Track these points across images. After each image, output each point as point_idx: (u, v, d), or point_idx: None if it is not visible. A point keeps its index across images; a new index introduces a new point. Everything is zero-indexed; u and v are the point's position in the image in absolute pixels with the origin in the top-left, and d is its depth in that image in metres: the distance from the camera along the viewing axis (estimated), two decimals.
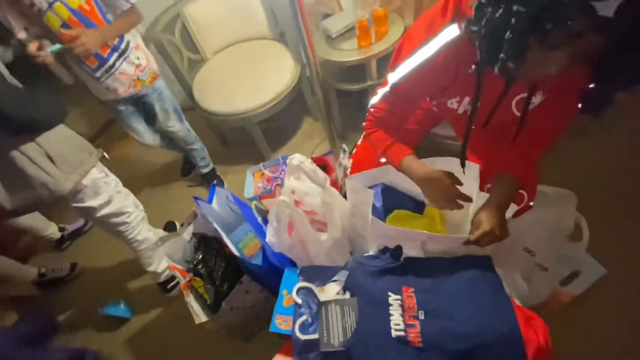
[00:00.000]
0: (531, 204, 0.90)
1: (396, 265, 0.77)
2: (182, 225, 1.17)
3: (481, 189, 0.83)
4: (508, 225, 0.73)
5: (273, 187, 1.24)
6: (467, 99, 0.76)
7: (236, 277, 1.00)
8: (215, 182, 1.79)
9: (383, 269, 0.78)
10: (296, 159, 0.92)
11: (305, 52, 1.16)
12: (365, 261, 0.82)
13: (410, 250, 0.80)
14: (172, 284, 1.44)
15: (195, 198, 1.06)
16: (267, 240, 0.96)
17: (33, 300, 1.58)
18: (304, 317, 0.78)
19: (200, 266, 1.08)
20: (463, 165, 0.85)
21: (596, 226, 0.94)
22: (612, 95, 0.58)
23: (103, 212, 1.13)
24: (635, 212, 1.18)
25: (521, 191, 0.85)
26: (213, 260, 1.10)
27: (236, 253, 0.93)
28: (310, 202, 0.99)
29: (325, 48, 1.43)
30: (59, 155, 0.99)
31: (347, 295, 0.78)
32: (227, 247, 0.97)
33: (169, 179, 1.94)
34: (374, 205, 0.89)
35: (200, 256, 1.09)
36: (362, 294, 0.76)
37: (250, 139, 1.71)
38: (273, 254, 0.94)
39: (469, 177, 0.84)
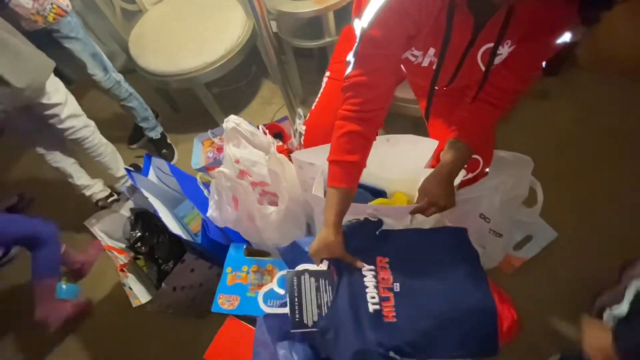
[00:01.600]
0: (487, 170, 0.86)
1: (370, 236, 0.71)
2: (117, 200, 1.04)
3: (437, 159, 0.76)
4: (457, 192, 0.69)
5: (222, 158, 1.13)
6: (432, 50, 0.66)
7: (183, 254, 0.92)
8: (164, 150, 1.64)
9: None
10: (231, 121, 0.81)
11: (251, 1, 1.00)
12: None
13: None
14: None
15: (127, 170, 0.93)
16: (208, 214, 0.87)
17: None
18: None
19: (139, 244, 0.98)
20: (427, 115, 0.77)
21: (549, 190, 0.93)
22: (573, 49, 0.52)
23: (65, 112, 1.18)
24: (586, 176, 1.19)
25: (476, 157, 0.80)
26: (155, 238, 1.00)
27: (173, 230, 0.83)
28: (259, 172, 0.90)
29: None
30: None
31: (324, 267, 0.67)
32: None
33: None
34: None
35: (139, 234, 0.98)
36: (335, 264, 0.67)
37: (202, 104, 1.55)
38: (215, 230, 0.86)
39: (425, 153, 0.77)
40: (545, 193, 0.94)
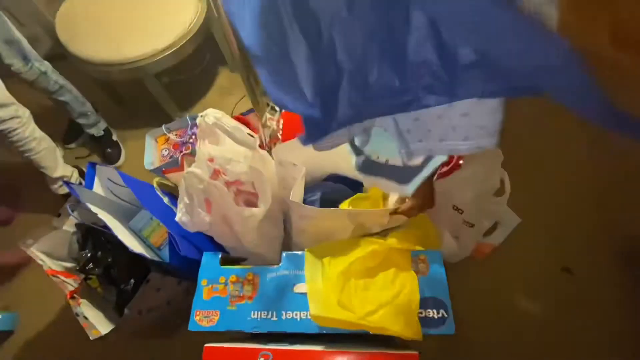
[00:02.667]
0: (460, 162, 0.88)
1: None
2: (58, 215, 0.89)
3: None
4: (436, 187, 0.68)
5: (180, 157, 1.02)
6: None
7: (145, 271, 0.81)
8: (109, 149, 1.45)
9: None
10: (210, 115, 0.72)
11: None
12: None
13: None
14: None
15: (67, 184, 0.79)
16: (177, 219, 0.77)
17: None
18: None
19: (91, 265, 0.85)
20: None
21: (511, 178, 0.98)
22: None
23: None
24: (542, 162, 1.27)
25: None
26: (110, 256, 0.88)
27: (134, 249, 0.73)
28: (234, 170, 0.82)
29: None
30: None
31: None
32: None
33: None
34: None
35: (89, 254, 0.85)
36: None
37: (152, 95, 1.38)
38: (186, 245, 0.77)
39: None
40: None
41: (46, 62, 1.21)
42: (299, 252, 0.75)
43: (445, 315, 0.66)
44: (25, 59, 1.13)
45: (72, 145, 1.53)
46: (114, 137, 1.48)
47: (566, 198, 1.19)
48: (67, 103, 1.28)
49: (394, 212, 0.68)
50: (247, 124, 1.15)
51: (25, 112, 1.12)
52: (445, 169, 0.85)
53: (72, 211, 0.79)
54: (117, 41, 1.19)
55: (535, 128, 1.34)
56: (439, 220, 1.00)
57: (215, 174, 0.78)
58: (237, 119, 1.15)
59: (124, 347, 1.00)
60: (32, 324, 1.12)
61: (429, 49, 0.31)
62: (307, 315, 0.67)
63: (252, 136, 0.77)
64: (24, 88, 1.20)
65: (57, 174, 1.23)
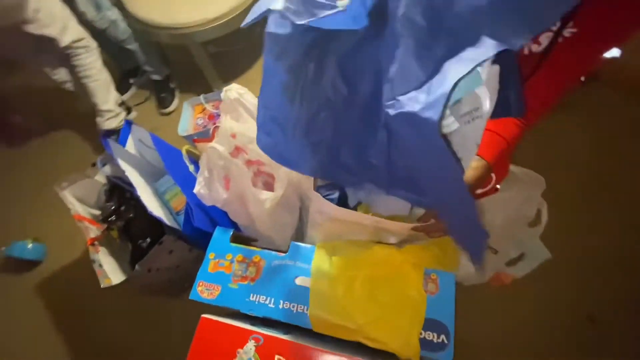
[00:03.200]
0: (498, 186, 0.81)
1: None
2: (93, 165, 0.94)
3: None
4: None
5: (212, 129, 1.03)
6: None
7: (161, 232, 0.84)
8: (164, 94, 1.49)
9: None
10: (233, 90, 0.72)
11: None
12: None
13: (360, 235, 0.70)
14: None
15: (103, 139, 0.82)
16: (195, 191, 0.79)
17: None
18: None
19: (113, 218, 0.90)
20: None
21: (554, 210, 0.90)
22: None
23: (65, 41, 1.07)
24: (590, 200, 1.16)
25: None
26: (132, 212, 0.92)
27: (153, 211, 0.75)
28: (255, 150, 0.82)
29: None
30: None
31: None
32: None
33: None
34: None
35: (113, 207, 0.90)
36: None
37: (196, 63, 1.40)
38: (200, 216, 0.78)
39: None
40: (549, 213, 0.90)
41: (116, 10, 1.26)
42: (308, 245, 0.74)
43: (446, 342, 0.62)
44: (98, 7, 1.18)
45: (124, 96, 1.60)
46: (172, 85, 1.54)
47: (601, 243, 1.08)
48: (134, 51, 1.34)
49: (416, 228, 0.64)
50: None
51: (94, 44, 1.17)
52: (479, 191, 0.78)
53: (103, 165, 0.83)
54: (172, 5, 1.20)
55: (588, 169, 1.22)
56: None
57: (237, 150, 0.78)
58: None
59: (130, 299, 1.06)
60: (58, 259, 1.22)
61: (382, 158, 0.43)
62: (303, 309, 0.66)
63: None
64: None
65: (106, 106, 1.27)
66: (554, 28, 0.50)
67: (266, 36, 0.42)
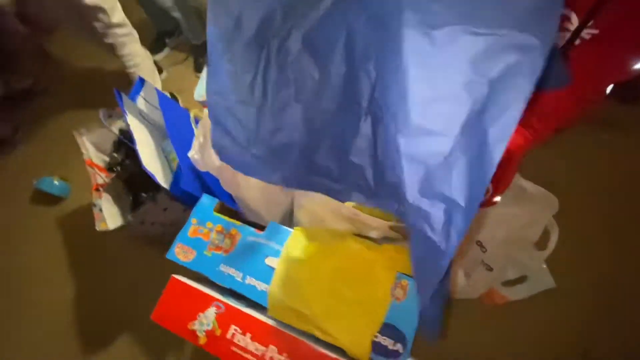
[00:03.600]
0: (496, 199, 0.73)
1: None
2: (110, 116, 0.99)
3: None
4: None
5: None
6: None
7: (160, 189, 0.88)
8: (201, 59, 1.53)
9: None
10: None
11: None
12: None
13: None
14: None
15: (117, 92, 0.86)
16: (189, 155, 0.80)
17: None
18: None
19: (117, 168, 0.95)
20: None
21: (565, 234, 0.81)
22: None
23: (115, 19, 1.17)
24: (619, 235, 1.03)
25: None
26: (135, 165, 0.96)
27: (146, 167, 0.78)
28: None
29: None
30: None
31: None
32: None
33: None
34: None
35: (120, 158, 0.95)
36: None
37: None
38: (188, 179, 0.80)
39: None
40: (560, 236, 0.81)
41: None
42: (287, 228, 0.73)
43: (401, 351, 0.60)
44: None
45: (158, 56, 1.66)
46: None
47: (611, 278, 0.97)
48: (177, 18, 1.38)
49: (394, 227, 0.61)
50: None
51: (134, 31, 1.30)
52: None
53: (108, 117, 0.87)
54: None
55: (613, 198, 1.07)
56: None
57: None
58: None
59: (121, 244, 1.14)
60: (79, 199, 1.33)
61: (367, 158, 0.37)
62: (267, 289, 0.67)
63: None
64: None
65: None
66: (571, 27, 0.42)
67: None
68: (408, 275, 0.65)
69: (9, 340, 1.16)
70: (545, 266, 0.96)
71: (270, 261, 0.70)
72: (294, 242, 0.70)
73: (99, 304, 1.17)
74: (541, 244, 0.82)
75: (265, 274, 0.69)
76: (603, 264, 1.00)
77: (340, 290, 0.64)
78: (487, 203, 0.72)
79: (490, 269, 0.86)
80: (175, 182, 0.80)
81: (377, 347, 0.60)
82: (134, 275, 1.17)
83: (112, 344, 1.09)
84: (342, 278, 0.65)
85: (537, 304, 0.94)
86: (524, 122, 0.52)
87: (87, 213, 1.28)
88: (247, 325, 0.65)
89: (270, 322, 0.65)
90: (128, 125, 0.83)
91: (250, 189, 0.84)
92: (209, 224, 0.77)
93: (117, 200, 0.97)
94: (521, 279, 0.96)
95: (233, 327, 0.66)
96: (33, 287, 1.23)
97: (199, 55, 1.55)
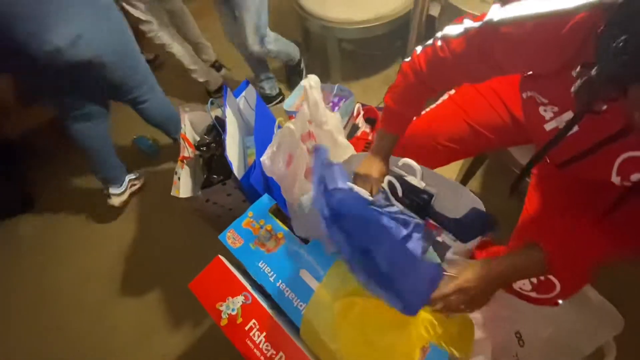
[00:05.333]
0: (560, 301, 0.67)
1: None
2: (212, 103, 1.15)
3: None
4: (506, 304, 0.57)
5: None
6: (569, 115, 0.51)
7: (230, 176, 0.99)
8: (293, 77, 1.68)
9: None
10: (307, 80, 0.78)
11: None
12: None
13: None
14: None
15: (225, 87, 1.00)
16: (261, 159, 0.89)
17: None
18: None
19: (203, 148, 1.08)
20: (513, 190, 0.63)
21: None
22: None
23: None
24: None
25: (554, 280, 0.63)
26: (219, 150, 1.10)
27: (227, 154, 0.89)
28: (322, 137, 0.87)
29: None
30: None
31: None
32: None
33: None
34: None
35: (208, 140, 1.08)
36: None
37: (327, 54, 1.53)
38: (257, 176, 0.89)
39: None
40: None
41: (271, 36, 1.35)
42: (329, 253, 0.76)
43: None
44: (261, 42, 1.33)
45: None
46: (302, 66, 1.65)
47: None
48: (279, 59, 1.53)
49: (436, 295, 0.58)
50: (376, 117, 1.17)
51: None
52: (534, 294, 0.67)
53: (211, 104, 1.01)
54: (327, 0, 1.33)
55: None
56: (487, 331, 0.83)
57: (308, 135, 0.85)
58: (372, 110, 1.17)
59: (184, 212, 1.28)
60: (163, 160, 1.54)
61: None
62: (293, 297, 0.70)
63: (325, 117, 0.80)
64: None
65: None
66: None
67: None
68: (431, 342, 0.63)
69: (62, 260, 1.36)
70: None
71: (304, 274, 0.74)
72: (336, 272, 0.72)
73: (147, 254, 1.32)
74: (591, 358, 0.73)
75: (296, 284, 0.72)
76: None
77: (367, 332, 0.65)
78: (549, 301, 0.66)
79: None
80: (247, 175, 0.90)
81: None
82: (185, 241, 1.30)
83: (144, 294, 1.21)
84: (373, 322, 0.66)
85: None
86: (622, 240, 0.50)
87: (163, 177, 1.48)
88: (266, 324, 0.70)
89: (287, 330, 0.68)
90: (225, 116, 0.96)
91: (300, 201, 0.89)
92: (262, 221, 0.84)
93: (193, 175, 1.10)
94: None
95: (253, 320, 0.70)
96: (97, 218, 1.44)
97: (291, 73, 1.67)
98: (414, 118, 0.74)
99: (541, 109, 0.54)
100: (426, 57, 0.61)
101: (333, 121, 0.87)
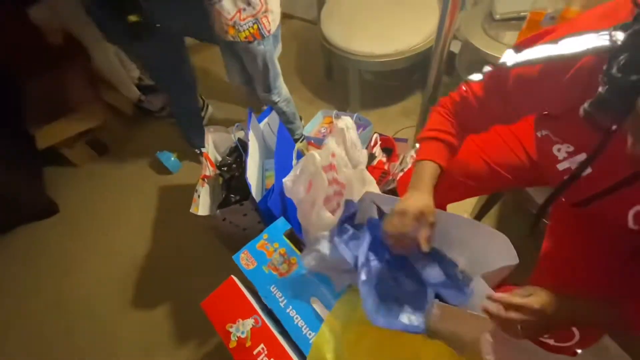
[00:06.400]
0: (579, 351, 0.65)
1: None
2: (235, 125, 1.20)
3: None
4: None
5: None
6: (582, 157, 0.52)
7: (248, 197, 1.02)
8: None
9: None
10: (343, 121, 0.81)
11: (442, 18, 0.93)
12: None
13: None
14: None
15: (250, 110, 1.05)
16: (283, 181, 0.93)
17: (120, 122, 1.87)
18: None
19: (225, 169, 1.13)
20: (533, 229, 0.63)
21: None
22: None
23: None
24: None
25: (574, 329, 0.61)
26: (239, 171, 1.14)
27: (248, 177, 0.93)
28: (345, 173, 0.90)
29: (474, 25, 1.14)
30: None
31: None
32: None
33: None
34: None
35: (230, 161, 1.13)
36: None
37: (348, 84, 1.59)
38: (276, 199, 0.92)
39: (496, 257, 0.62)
40: None
41: (280, 90, 1.27)
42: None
43: None
44: (269, 90, 1.23)
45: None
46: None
47: None
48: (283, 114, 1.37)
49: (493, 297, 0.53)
50: (393, 147, 1.20)
51: None
52: (551, 342, 0.64)
53: (238, 129, 1.06)
54: (351, 31, 1.39)
55: None
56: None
57: (330, 167, 0.87)
58: (389, 140, 1.20)
59: (199, 229, 1.31)
60: (184, 177, 1.59)
61: None
62: (302, 325, 0.71)
63: (364, 157, 0.82)
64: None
65: None
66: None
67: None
68: None
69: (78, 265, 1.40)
70: None
71: (314, 302, 0.74)
72: (347, 300, 0.72)
73: (160, 267, 1.35)
74: None
75: (306, 311, 0.73)
76: None
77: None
78: (568, 350, 0.64)
79: None
80: (264, 197, 0.93)
81: None
82: (198, 258, 1.32)
83: (152, 308, 1.23)
84: (383, 353, 0.65)
85: None
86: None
87: (183, 192, 1.53)
88: (275, 350, 0.70)
89: (294, 358, 0.68)
90: (248, 139, 1.00)
91: (317, 230, 0.90)
92: (276, 244, 0.86)
93: (213, 193, 1.14)
94: None
95: (262, 345, 0.70)
96: (115, 228, 1.48)
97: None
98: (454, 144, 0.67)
99: (555, 148, 0.56)
100: (452, 101, 0.65)
101: (363, 163, 0.90)
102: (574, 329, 0.60)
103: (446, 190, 0.84)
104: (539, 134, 0.60)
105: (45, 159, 1.67)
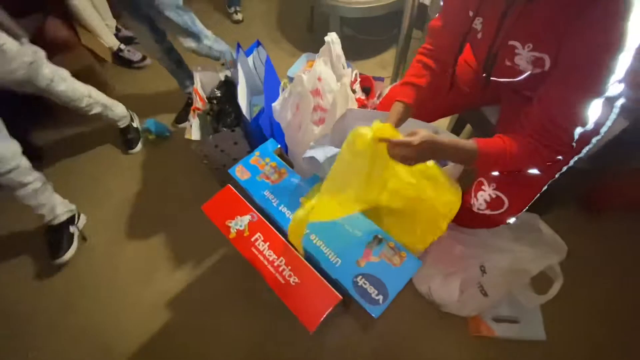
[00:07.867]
0: (510, 220, 0.81)
1: None
2: (222, 64, 1.25)
3: None
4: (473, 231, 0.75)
5: None
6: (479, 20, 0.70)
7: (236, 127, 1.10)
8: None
9: None
10: (329, 35, 0.90)
11: None
12: None
13: None
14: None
15: (239, 45, 1.11)
16: (272, 104, 1.01)
17: (100, 68, 1.80)
18: None
19: (215, 102, 1.19)
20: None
21: (573, 301, 0.83)
22: None
23: None
24: (615, 303, 1.02)
25: (502, 196, 0.76)
26: (228, 104, 1.20)
27: (240, 100, 1.00)
28: (329, 99, 0.97)
29: None
30: None
31: None
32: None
33: None
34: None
35: (219, 94, 1.19)
36: None
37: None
38: (265, 119, 1.00)
39: None
40: (566, 299, 0.86)
41: (208, 33, 1.28)
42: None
43: (381, 302, 0.70)
44: (198, 39, 1.25)
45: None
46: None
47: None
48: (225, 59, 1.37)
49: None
50: (371, 86, 1.30)
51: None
52: (487, 212, 0.81)
53: (227, 68, 1.12)
54: None
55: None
56: (457, 264, 0.96)
57: (316, 92, 0.96)
58: (367, 78, 1.30)
59: (195, 163, 1.38)
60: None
61: None
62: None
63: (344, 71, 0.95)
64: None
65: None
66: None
67: None
68: (405, 248, 0.76)
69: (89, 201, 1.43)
70: (540, 316, 0.99)
71: (303, 199, 0.85)
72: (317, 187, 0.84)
73: (153, 201, 1.41)
74: (542, 289, 0.87)
75: (296, 207, 0.84)
76: (599, 338, 0.99)
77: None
78: (499, 219, 0.80)
79: (485, 295, 0.92)
80: (255, 118, 1.01)
81: (362, 292, 0.71)
82: (189, 193, 1.39)
83: (148, 237, 1.30)
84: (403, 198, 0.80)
85: (523, 351, 0.97)
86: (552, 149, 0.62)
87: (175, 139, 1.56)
88: (269, 236, 0.81)
89: (287, 242, 0.80)
90: (237, 70, 1.07)
91: (302, 145, 1.00)
92: (267, 159, 0.95)
93: (204, 124, 1.20)
94: (513, 320, 0.99)
95: (259, 233, 0.82)
96: (102, 175, 1.52)
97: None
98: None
99: (474, 22, 0.70)
100: (426, 41, 0.83)
101: (347, 77, 0.98)
102: (503, 198, 0.76)
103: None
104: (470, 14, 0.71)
105: (27, 104, 1.63)
